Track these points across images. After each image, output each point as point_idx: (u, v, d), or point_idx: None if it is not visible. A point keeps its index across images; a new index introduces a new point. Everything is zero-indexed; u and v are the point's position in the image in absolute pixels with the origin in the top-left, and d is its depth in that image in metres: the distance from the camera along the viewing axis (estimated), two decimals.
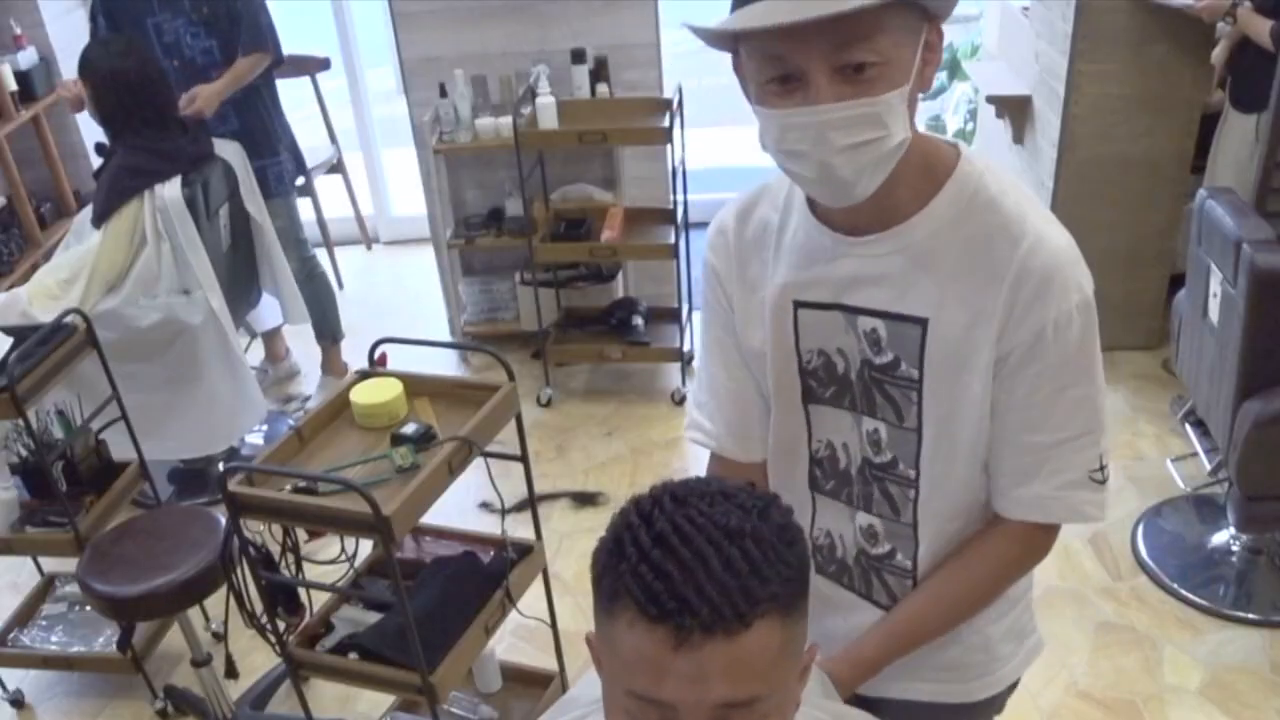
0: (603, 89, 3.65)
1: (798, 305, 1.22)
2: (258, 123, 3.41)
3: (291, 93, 3.68)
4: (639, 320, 3.80)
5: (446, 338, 4.14)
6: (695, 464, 3.32)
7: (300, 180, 3.83)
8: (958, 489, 1.24)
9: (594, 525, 2.99)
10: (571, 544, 3.09)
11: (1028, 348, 1.12)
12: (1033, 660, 1.44)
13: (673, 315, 3.81)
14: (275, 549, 2.10)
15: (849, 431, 1.28)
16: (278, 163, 3.49)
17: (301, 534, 2.31)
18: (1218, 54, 3.28)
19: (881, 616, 1.33)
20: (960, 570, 1.27)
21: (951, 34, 5.02)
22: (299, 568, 2.15)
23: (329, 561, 2.16)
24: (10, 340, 2.54)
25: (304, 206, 3.79)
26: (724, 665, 0.81)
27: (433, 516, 2.01)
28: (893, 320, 1.17)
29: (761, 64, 1.05)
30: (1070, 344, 1.12)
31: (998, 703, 1.45)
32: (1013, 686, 1.45)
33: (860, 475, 1.29)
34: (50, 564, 2.95)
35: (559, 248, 3.65)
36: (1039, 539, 1.25)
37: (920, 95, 1.09)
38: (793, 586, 0.85)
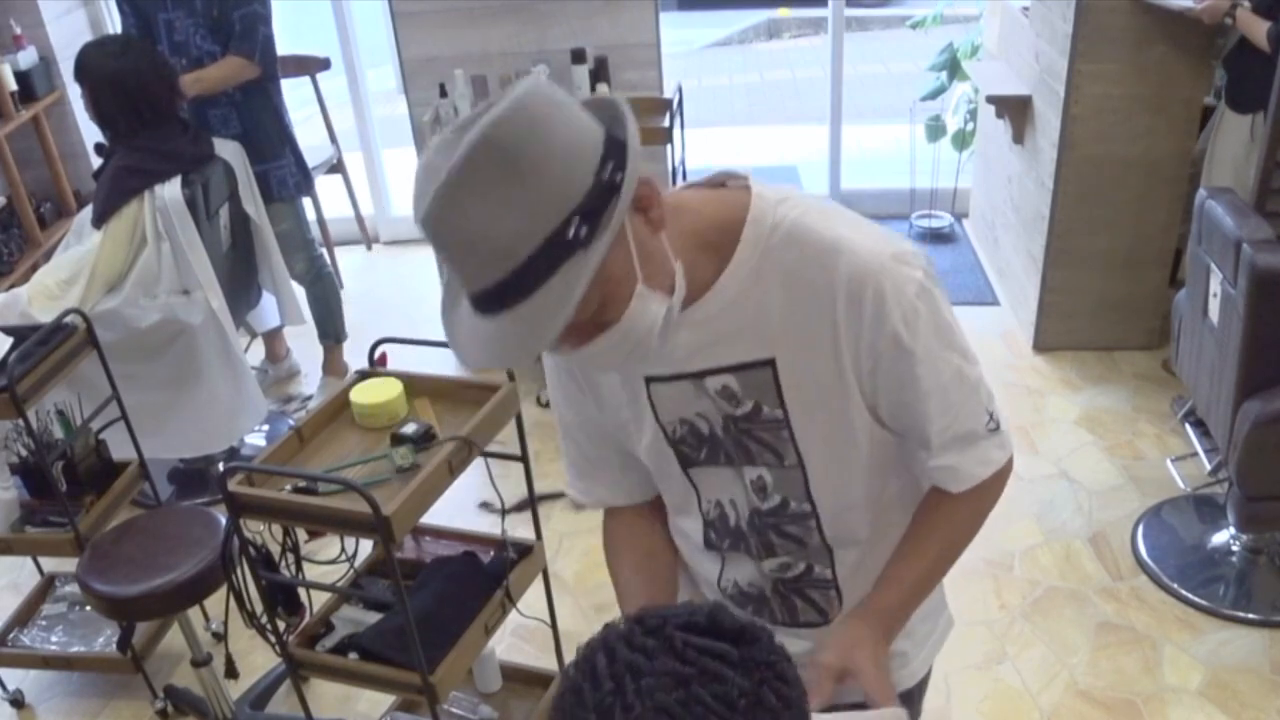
0: (603, 89, 3.65)
1: (649, 381, 1.21)
2: (262, 127, 3.40)
3: (291, 93, 3.68)
4: None
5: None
6: None
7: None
8: (858, 502, 1.25)
9: (594, 525, 2.97)
10: (571, 544, 3.09)
11: (891, 354, 1.11)
12: (946, 638, 1.46)
13: None
14: (275, 549, 2.10)
15: (733, 486, 1.27)
16: (280, 167, 3.48)
17: (301, 534, 2.31)
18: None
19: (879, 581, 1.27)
20: (932, 529, 1.26)
21: (951, 34, 5.03)
22: (299, 568, 2.15)
23: (329, 561, 2.16)
24: (10, 340, 2.54)
25: (304, 206, 3.78)
26: None
27: (433, 516, 2.01)
28: (740, 371, 1.16)
29: None
30: (925, 333, 1.11)
31: (922, 690, 1.46)
32: (929, 672, 1.46)
33: (751, 527, 1.29)
34: (50, 564, 2.95)
35: None
36: (982, 492, 1.23)
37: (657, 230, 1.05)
38: None
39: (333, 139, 4.63)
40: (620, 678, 0.78)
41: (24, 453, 2.50)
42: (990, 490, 1.24)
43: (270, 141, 3.44)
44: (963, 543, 1.27)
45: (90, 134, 4.09)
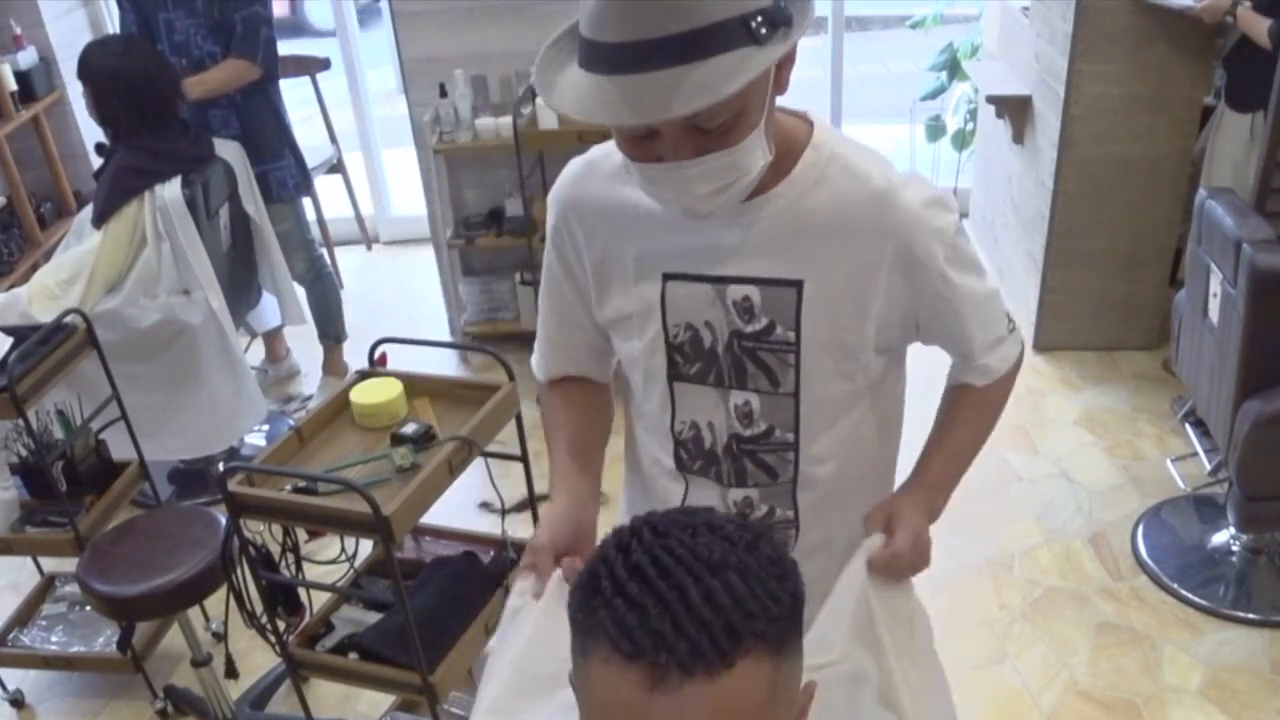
0: None
1: (667, 277, 1.22)
2: (262, 127, 3.40)
3: (291, 93, 3.68)
4: None
5: (446, 338, 4.14)
6: None
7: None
8: (837, 442, 1.28)
9: None
10: None
11: (936, 291, 1.20)
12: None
13: None
14: (275, 549, 2.11)
15: (714, 410, 1.28)
16: (280, 167, 3.48)
17: (301, 534, 2.32)
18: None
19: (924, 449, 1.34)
20: (962, 414, 1.35)
21: (951, 34, 5.03)
22: (299, 568, 2.15)
23: (329, 561, 2.16)
24: (10, 340, 2.54)
25: (304, 206, 3.78)
26: (706, 711, 0.75)
27: (433, 516, 2.02)
28: (767, 286, 1.19)
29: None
30: (965, 268, 1.21)
31: None
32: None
33: (728, 452, 1.30)
34: (50, 564, 2.95)
35: None
36: (1004, 381, 1.34)
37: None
38: (782, 624, 0.80)
39: (333, 139, 4.63)
40: (639, 527, 0.83)
41: (24, 453, 2.50)
42: (1009, 379, 1.34)
43: (270, 142, 3.43)
44: (988, 426, 1.36)
45: (90, 134, 4.09)
